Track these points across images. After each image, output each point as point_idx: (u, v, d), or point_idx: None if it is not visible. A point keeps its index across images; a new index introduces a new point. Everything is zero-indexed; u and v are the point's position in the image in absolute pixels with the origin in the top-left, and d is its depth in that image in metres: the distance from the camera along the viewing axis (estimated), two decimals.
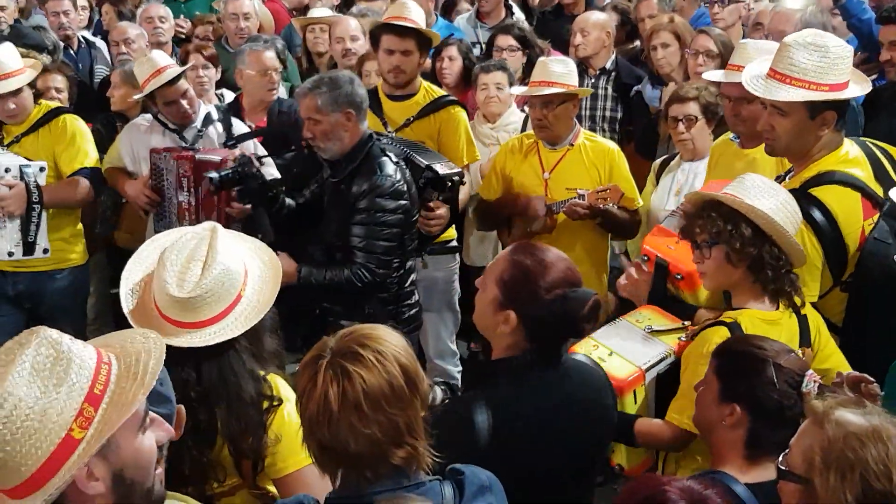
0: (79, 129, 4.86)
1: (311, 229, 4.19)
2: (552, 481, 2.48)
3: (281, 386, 2.64)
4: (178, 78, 4.71)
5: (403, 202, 3.98)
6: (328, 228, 4.08)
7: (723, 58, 5.18)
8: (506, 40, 5.83)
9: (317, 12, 6.95)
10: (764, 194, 2.91)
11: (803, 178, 3.28)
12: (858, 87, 3.32)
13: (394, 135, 4.76)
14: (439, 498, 2.04)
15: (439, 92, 5.08)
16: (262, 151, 4.75)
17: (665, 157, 4.83)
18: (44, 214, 4.66)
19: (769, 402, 2.50)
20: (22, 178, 4.60)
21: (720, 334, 2.85)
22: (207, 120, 4.86)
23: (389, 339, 2.05)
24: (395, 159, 4.02)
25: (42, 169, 4.63)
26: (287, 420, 2.58)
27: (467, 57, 5.82)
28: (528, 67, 5.39)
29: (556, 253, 2.58)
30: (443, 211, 4.34)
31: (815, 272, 3.18)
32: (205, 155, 4.59)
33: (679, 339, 3.10)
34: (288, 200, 4.23)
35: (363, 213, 3.92)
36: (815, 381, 2.53)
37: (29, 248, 4.67)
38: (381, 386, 1.97)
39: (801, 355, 2.74)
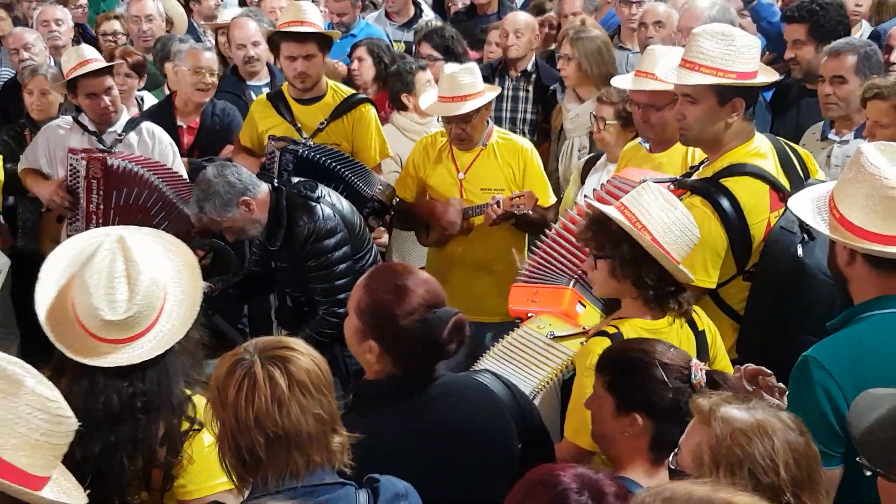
0: None
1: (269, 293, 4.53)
2: None
3: (202, 408, 2.49)
4: (103, 71, 4.60)
5: (339, 233, 4.04)
6: (287, 287, 4.28)
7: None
8: (426, 49, 5.71)
9: (227, 14, 6.75)
10: (658, 210, 2.90)
11: (716, 168, 3.34)
12: (766, 76, 3.39)
13: (311, 142, 4.72)
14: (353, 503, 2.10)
15: (347, 91, 5.03)
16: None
17: (590, 156, 4.83)
18: None
19: (666, 403, 2.49)
20: None
21: (602, 345, 2.81)
22: (130, 125, 4.75)
23: (301, 343, 2.20)
24: (314, 195, 4.03)
25: None
26: (204, 443, 2.49)
27: (379, 57, 5.65)
28: None
29: (414, 277, 2.52)
30: (385, 239, 4.67)
31: (717, 260, 3.22)
32: (117, 159, 4.49)
33: (581, 343, 3.10)
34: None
35: (312, 261, 4.02)
36: (700, 370, 2.55)
37: None
38: (315, 371, 2.12)
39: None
